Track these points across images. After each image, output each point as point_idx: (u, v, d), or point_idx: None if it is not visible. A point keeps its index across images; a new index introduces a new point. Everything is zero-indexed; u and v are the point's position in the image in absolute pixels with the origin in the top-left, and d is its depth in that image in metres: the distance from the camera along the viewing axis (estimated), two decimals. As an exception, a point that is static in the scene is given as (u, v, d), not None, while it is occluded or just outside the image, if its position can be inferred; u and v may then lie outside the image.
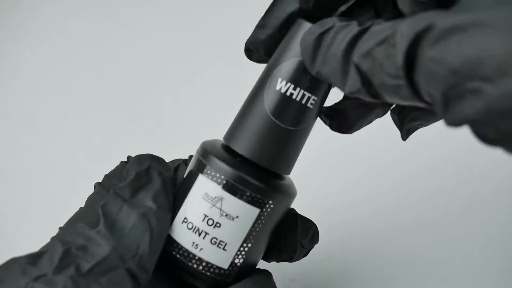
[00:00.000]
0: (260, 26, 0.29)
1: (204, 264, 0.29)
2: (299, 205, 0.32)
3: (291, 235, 0.31)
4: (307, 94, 0.28)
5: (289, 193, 0.30)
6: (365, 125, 0.32)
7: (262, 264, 0.32)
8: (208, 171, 0.28)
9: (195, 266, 0.29)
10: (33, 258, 0.26)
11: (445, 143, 0.44)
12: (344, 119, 0.31)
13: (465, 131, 0.21)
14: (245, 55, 0.30)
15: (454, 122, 0.20)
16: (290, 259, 0.31)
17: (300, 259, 0.32)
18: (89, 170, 0.37)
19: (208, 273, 0.29)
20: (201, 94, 0.51)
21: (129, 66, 0.53)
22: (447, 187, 0.44)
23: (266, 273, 0.31)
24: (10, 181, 0.47)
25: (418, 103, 0.22)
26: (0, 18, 0.56)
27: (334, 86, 0.27)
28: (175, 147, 0.36)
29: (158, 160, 0.30)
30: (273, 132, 0.28)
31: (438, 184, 0.44)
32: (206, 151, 0.29)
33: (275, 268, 0.34)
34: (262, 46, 0.29)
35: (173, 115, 0.50)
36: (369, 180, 0.44)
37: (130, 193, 0.29)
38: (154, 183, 0.29)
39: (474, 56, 0.19)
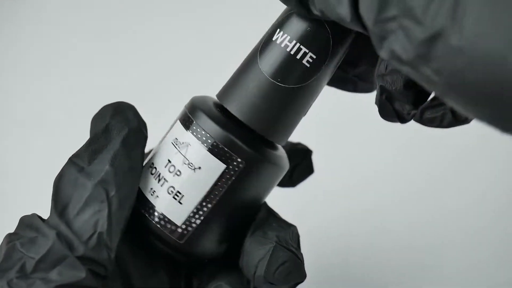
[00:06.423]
0: None
1: (157, 214, 0.26)
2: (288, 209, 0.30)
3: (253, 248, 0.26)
4: (304, 49, 0.25)
5: (276, 163, 0.26)
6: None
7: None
8: (194, 127, 0.26)
9: (150, 217, 0.26)
10: None
11: (444, 145, 0.44)
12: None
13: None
14: None
15: (383, 55, 0.19)
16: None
17: None
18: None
19: (160, 227, 0.26)
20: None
21: (133, 63, 0.53)
22: (446, 189, 0.43)
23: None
24: (12, 180, 0.46)
25: (354, 25, 0.21)
26: (1, 16, 0.56)
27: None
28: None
29: (121, 111, 0.26)
30: (259, 83, 0.25)
31: (436, 186, 0.44)
32: (195, 107, 0.26)
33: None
34: None
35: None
36: (364, 181, 0.43)
37: (87, 159, 0.25)
38: (112, 143, 0.25)
39: None
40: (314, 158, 0.33)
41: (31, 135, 0.49)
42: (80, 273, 0.23)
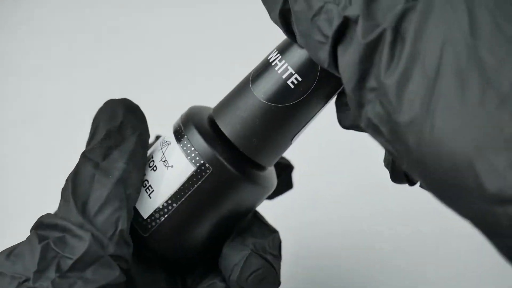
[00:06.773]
0: None
1: None
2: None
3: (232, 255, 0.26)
4: (290, 70, 0.25)
5: (257, 183, 0.27)
6: None
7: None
8: (184, 136, 0.26)
9: None
10: (15, 256, 0.23)
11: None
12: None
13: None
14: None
15: (361, 123, 0.20)
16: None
17: None
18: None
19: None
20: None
21: (133, 64, 0.52)
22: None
23: None
24: (12, 180, 0.46)
25: (333, 71, 0.21)
26: (1, 16, 0.56)
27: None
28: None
29: (132, 110, 0.27)
30: (245, 98, 0.26)
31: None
32: (189, 119, 0.27)
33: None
34: None
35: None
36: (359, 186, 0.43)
37: (102, 155, 0.25)
38: (128, 142, 0.26)
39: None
40: (305, 162, 0.32)
41: (28, 135, 0.49)
42: (115, 271, 0.24)
